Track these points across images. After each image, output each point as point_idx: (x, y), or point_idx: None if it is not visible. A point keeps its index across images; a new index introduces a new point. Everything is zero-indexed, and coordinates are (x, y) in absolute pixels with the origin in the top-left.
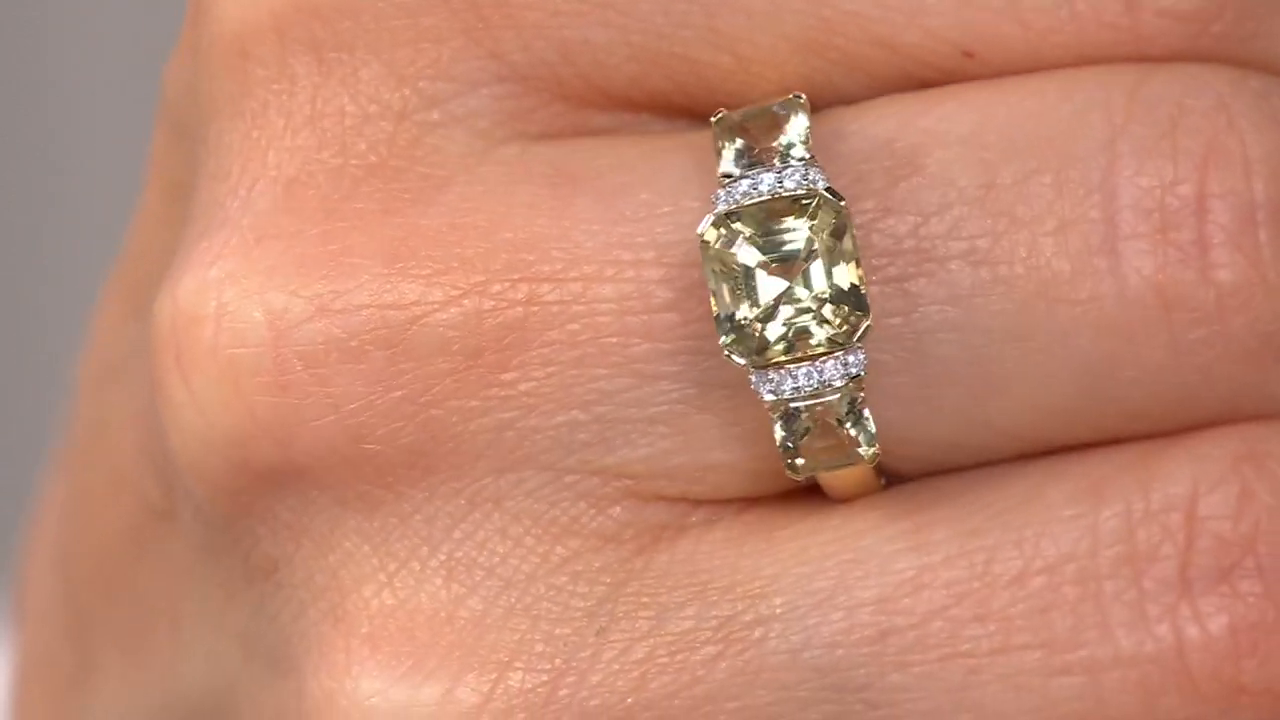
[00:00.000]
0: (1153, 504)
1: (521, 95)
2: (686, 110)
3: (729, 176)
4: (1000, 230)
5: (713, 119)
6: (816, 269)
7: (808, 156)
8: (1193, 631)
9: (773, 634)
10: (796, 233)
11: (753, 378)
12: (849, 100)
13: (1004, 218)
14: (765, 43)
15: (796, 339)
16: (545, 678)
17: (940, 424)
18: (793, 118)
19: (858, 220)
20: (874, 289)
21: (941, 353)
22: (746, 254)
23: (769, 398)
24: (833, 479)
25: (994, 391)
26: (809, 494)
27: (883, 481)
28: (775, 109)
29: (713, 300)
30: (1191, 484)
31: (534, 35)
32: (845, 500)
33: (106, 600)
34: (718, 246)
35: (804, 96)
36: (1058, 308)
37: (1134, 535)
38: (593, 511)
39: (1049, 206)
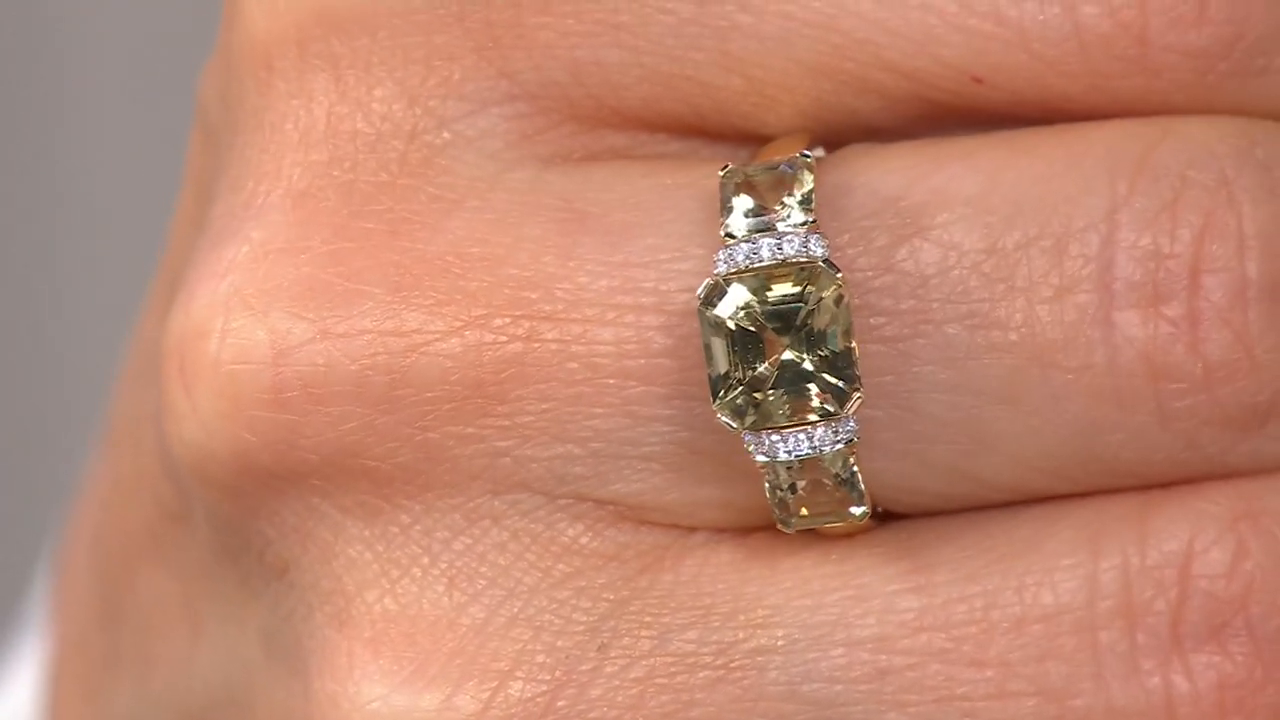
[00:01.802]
0: (1149, 559)
1: (532, 115)
2: (700, 131)
3: (732, 237)
4: (998, 296)
5: (720, 172)
6: (810, 337)
7: (809, 221)
8: (1183, 686)
9: (773, 665)
10: (792, 301)
11: (746, 438)
12: (864, 120)
13: (1002, 284)
14: (777, 65)
15: (787, 406)
16: (545, 688)
17: (929, 477)
18: (799, 177)
19: (858, 278)
20: (870, 347)
21: (933, 411)
22: (742, 319)
23: (760, 459)
24: (826, 528)
25: (984, 449)
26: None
27: (878, 510)
28: (783, 168)
29: (707, 362)
30: (1188, 540)
31: (545, 55)
32: (839, 538)
33: (131, 592)
34: (715, 310)
35: (811, 155)
36: (1050, 374)
37: (1130, 589)
38: (589, 534)
39: (1047, 274)
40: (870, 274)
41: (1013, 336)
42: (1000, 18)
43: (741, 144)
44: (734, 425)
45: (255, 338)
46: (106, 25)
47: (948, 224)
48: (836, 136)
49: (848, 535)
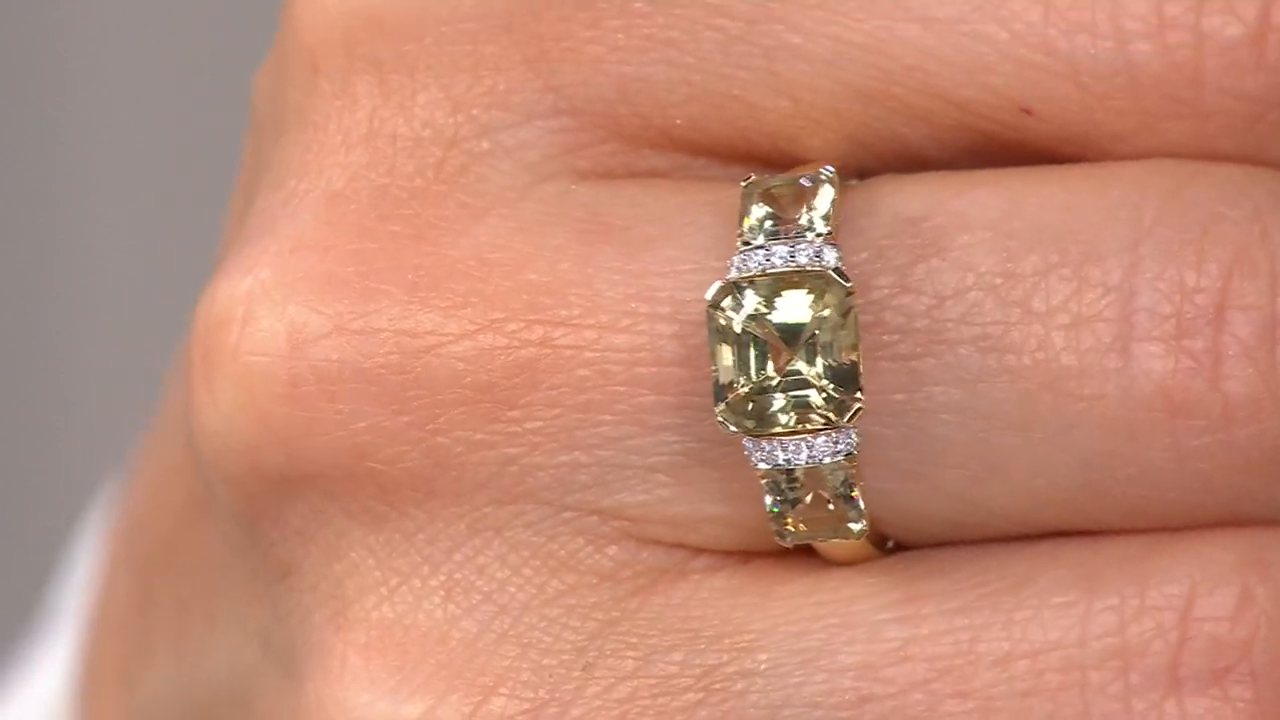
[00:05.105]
0: (1148, 600)
1: (576, 130)
2: (747, 155)
3: (747, 245)
4: (1013, 320)
5: (742, 183)
6: (816, 347)
7: (825, 232)
8: None
9: (754, 689)
10: (802, 308)
11: (746, 444)
12: (913, 149)
13: (1018, 308)
14: (825, 88)
15: (788, 413)
16: (527, 706)
17: (937, 501)
18: (819, 191)
19: (873, 295)
20: (882, 364)
21: (942, 433)
22: (751, 324)
23: (762, 466)
24: (827, 547)
25: (993, 475)
26: (812, 551)
27: (890, 545)
28: (803, 181)
29: (712, 366)
30: (1190, 583)
31: (593, 70)
32: (843, 565)
33: (165, 582)
34: (724, 314)
35: (833, 170)
36: (1063, 401)
37: (1125, 629)
38: (590, 549)
39: (1065, 301)
40: (887, 292)
41: (1026, 361)
42: (1051, 49)
43: (786, 171)
44: (733, 430)
45: (273, 329)
46: (108, 26)
47: (967, 246)
48: (884, 166)
49: (850, 561)
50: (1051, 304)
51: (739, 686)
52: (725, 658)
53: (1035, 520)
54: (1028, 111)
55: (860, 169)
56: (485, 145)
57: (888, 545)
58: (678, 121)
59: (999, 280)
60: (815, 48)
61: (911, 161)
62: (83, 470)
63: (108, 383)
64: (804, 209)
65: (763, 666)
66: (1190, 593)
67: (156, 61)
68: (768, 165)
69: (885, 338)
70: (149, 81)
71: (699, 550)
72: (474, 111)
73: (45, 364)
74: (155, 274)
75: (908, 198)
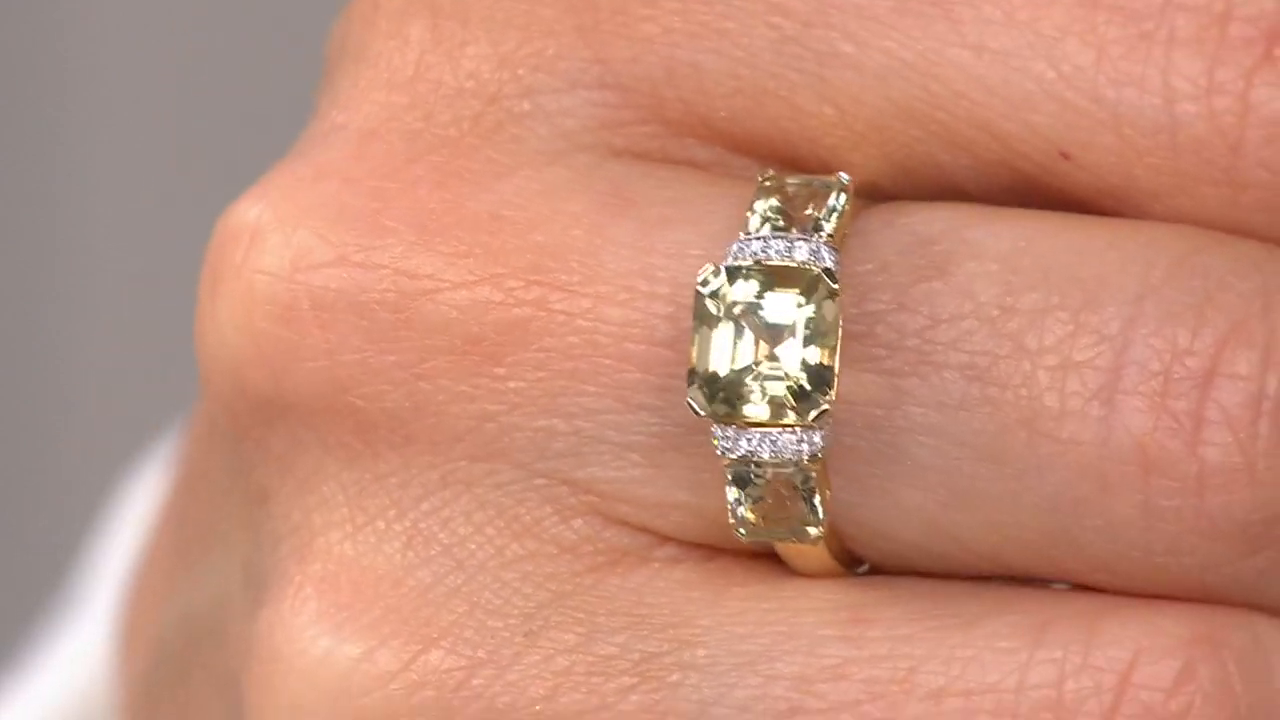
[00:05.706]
0: (1091, 658)
1: (618, 106)
2: (787, 159)
3: (748, 235)
4: (1003, 353)
5: (759, 176)
6: (795, 343)
7: (828, 234)
8: None
9: (688, 682)
10: (788, 304)
11: (714, 431)
12: (952, 180)
13: (1010, 342)
14: (870, 101)
15: (759, 405)
16: (464, 663)
17: (901, 522)
18: (832, 195)
19: (870, 307)
20: (867, 377)
21: (916, 454)
22: (736, 312)
23: (726, 455)
24: (788, 552)
25: (959, 504)
26: (779, 560)
27: (864, 569)
28: (817, 183)
29: (691, 348)
30: (1135, 649)
31: (644, 48)
32: (806, 576)
33: (193, 507)
34: (711, 298)
35: (849, 179)
36: (1038, 440)
37: (1063, 683)
38: (555, 518)
39: (1058, 343)
40: (884, 306)
41: (1008, 395)
42: (1097, 95)
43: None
44: (702, 413)
45: (279, 250)
46: (108, 26)
47: (972, 274)
48: (922, 194)
49: (814, 575)
50: (1044, 343)
51: (674, 678)
52: (666, 647)
53: (998, 557)
54: (1066, 156)
55: (896, 194)
56: (525, 106)
57: (861, 568)
58: (721, 113)
59: (996, 312)
60: (866, 60)
61: (951, 194)
62: (83, 470)
63: (108, 383)
64: (812, 207)
65: (700, 662)
66: (1134, 658)
67: (156, 61)
68: (805, 173)
69: (874, 350)
70: (149, 81)
71: (665, 539)
72: (519, 71)
73: (45, 364)
74: (155, 274)
75: (927, 219)
